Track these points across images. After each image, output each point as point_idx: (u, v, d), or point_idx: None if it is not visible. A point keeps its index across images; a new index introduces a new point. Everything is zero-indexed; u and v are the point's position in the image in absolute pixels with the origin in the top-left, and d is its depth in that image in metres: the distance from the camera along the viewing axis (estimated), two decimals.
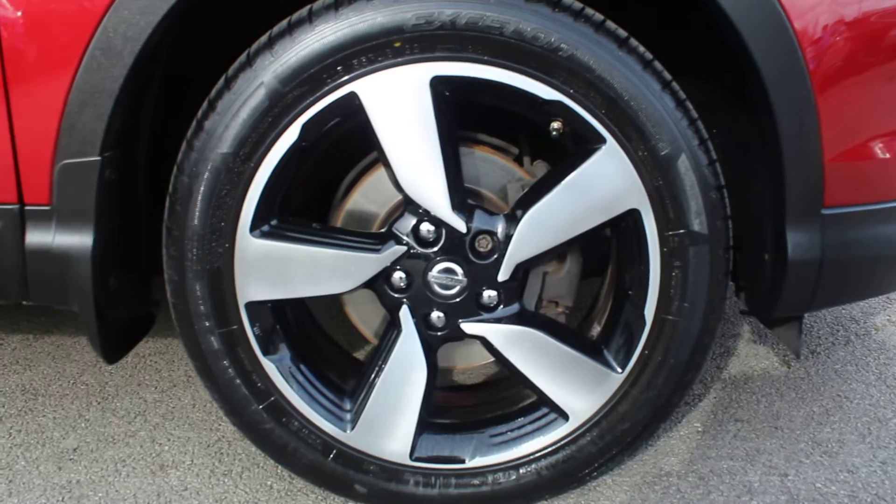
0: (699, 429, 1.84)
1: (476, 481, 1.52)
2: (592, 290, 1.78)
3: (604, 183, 1.35)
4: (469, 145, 1.54)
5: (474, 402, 1.73)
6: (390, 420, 1.48)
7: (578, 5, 1.29)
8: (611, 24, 1.30)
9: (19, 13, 1.30)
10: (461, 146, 1.47)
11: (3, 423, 1.83)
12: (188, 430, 1.82)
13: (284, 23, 1.30)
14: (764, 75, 1.34)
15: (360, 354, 2.05)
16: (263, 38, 1.31)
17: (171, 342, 2.21)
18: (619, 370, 1.46)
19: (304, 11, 1.29)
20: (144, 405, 1.91)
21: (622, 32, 1.31)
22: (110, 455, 1.73)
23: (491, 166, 1.53)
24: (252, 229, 1.36)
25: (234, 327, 1.42)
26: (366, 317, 1.64)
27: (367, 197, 1.54)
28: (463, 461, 1.51)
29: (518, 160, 1.61)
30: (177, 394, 1.97)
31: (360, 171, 1.58)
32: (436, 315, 1.46)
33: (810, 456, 1.74)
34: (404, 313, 1.45)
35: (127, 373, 2.05)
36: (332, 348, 1.83)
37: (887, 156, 1.46)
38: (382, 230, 1.48)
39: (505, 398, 1.65)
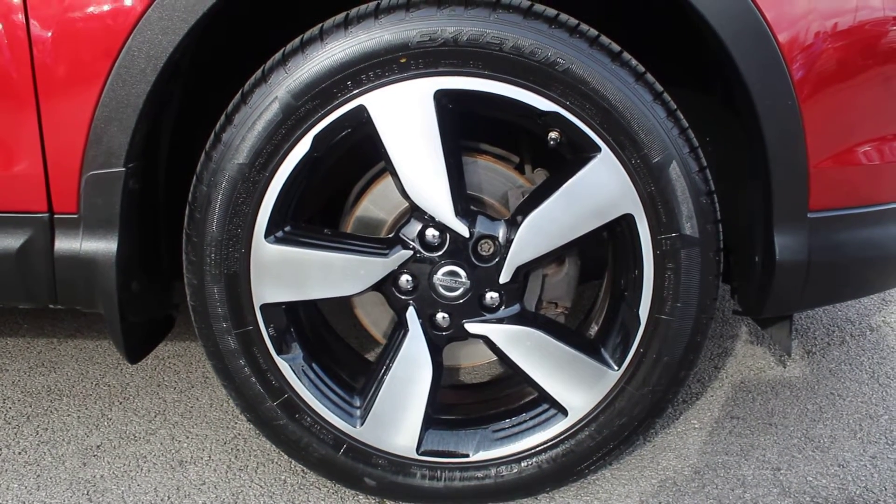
0: (696, 426, 1.90)
1: (480, 474, 1.59)
2: (592, 292, 1.85)
3: (599, 189, 1.42)
4: (472, 154, 1.61)
5: (478, 399, 1.80)
6: (398, 416, 1.55)
7: (574, 22, 1.36)
8: (604, 39, 1.37)
9: (50, 34, 1.38)
10: (464, 155, 1.55)
11: (30, 422, 1.92)
12: (206, 428, 1.90)
13: (297, 41, 1.38)
14: (750, 86, 1.41)
15: (370, 356, 2.12)
16: (277, 55, 1.39)
17: (190, 345, 2.29)
18: (616, 368, 1.52)
19: (315, 30, 1.37)
20: (164, 405, 2.00)
21: (615, 47, 1.38)
22: (132, 451, 1.81)
23: (493, 174, 1.61)
24: (267, 235, 1.44)
25: (250, 328, 1.49)
26: (375, 318, 1.72)
27: (376, 204, 1.62)
28: (467, 455, 1.58)
29: (519, 168, 1.68)
30: (195, 394, 2.05)
31: (369, 179, 1.66)
32: (441, 316, 1.53)
33: (803, 451, 1.80)
34: (411, 314, 1.53)
35: (147, 374, 2.14)
36: (342, 348, 1.90)
37: (871, 161, 1.53)
38: (390, 235, 1.55)
39: (507, 395, 1.71)
